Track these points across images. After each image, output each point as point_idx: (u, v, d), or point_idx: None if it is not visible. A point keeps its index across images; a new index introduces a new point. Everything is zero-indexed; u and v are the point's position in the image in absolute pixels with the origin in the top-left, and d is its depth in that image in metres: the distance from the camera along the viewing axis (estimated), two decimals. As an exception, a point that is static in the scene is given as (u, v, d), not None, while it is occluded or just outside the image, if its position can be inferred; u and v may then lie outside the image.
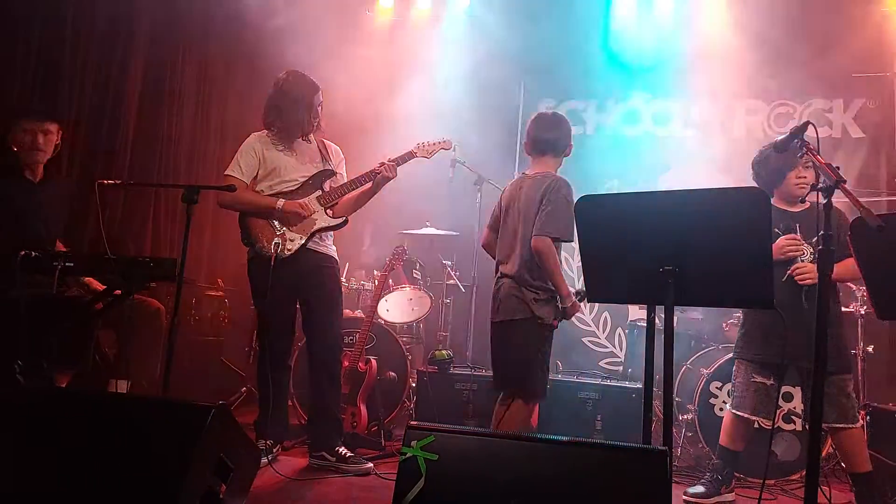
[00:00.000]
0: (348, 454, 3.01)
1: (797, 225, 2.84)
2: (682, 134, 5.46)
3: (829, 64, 4.79)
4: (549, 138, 2.91)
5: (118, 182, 2.76)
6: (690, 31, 5.28)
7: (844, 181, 1.79)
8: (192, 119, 4.90)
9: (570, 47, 5.40)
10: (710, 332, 4.22)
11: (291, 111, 3.06)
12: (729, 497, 2.94)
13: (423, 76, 5.34)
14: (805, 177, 2.83)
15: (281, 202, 3.01)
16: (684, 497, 2.90)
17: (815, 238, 2.74)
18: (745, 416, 2.85)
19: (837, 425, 2.67)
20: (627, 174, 5.31)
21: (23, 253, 2.51)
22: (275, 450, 3.11)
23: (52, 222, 3.12)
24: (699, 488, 2.93)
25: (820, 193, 1.81)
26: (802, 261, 2.78)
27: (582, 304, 3.02)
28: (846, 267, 2.57)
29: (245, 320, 4.54)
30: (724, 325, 4.06)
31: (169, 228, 4.63)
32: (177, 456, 1.67)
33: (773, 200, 2.87)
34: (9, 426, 1.81)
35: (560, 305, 2.77)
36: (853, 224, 1.81)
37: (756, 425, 2.93)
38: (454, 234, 4.80)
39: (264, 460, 2.86)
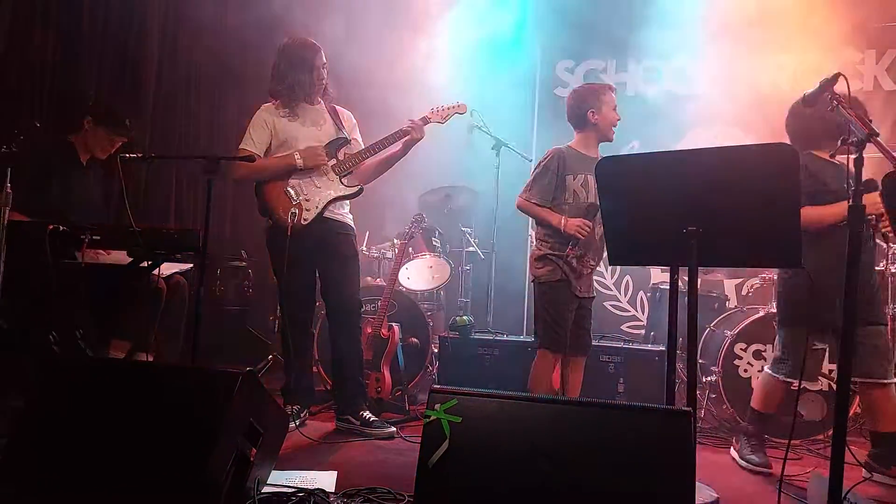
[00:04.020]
0: (372, 418, 3.06)
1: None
2: (705, 92, 5.31)
3: (861, 13, 4.59)
4: (567, 114, 3.09)
5: (140, 155, 2.79)
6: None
7: (877, 134, 1.73)
8: (211, 91, 4.89)
9: (588, 5, 5.25)
10: (734, 293, 4.18)
11: (293, 73, 3.05)
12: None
13: (437, 39, 5.24)
14: None
15: (299, 158, 3.02)
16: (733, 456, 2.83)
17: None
18: (785, 378, 2.74)
19: (864, 380, 2.61)
20: (649, 135, 5.20)
21: (51, 227, 2.58)
22: (302, 414, 3.18)
23: (96, 200, 3.26)
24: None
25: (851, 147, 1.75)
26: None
27: (600, 262, 3.04)
28: None
29: (269, 290, 4.60)
30: (750, 286, 4.01)
31: (191, 200, 4.68)
32: (208, 421, 1.72)
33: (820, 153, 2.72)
34: (52, 393, 1.88)
35: (562, 231, 2.90)
36: (885, 179, 1.76)
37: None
38: (473, 195, 4.78)
39: (292, 425, 2.93)
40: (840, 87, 1.95)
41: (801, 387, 2.74)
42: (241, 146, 3.09)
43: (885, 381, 2.62)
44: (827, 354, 2.93)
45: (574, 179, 2.96)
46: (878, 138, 1.75)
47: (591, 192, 2.96)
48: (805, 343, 2.69)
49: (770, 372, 2.82)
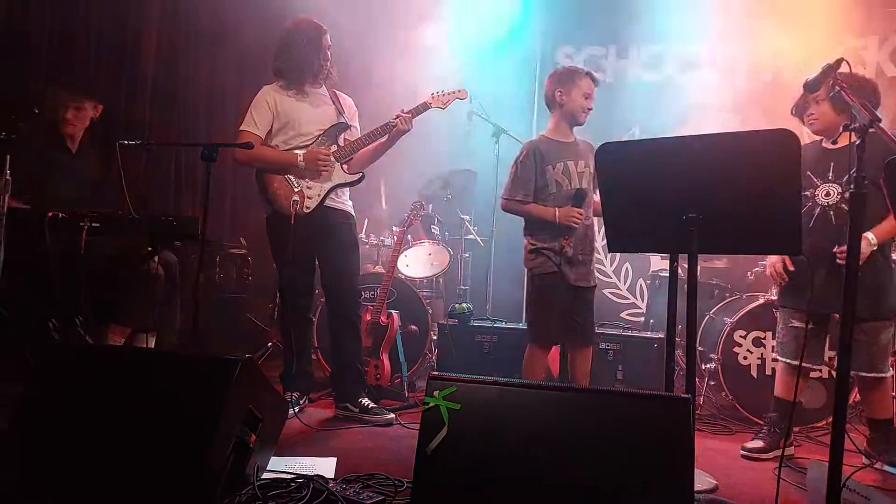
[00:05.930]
0: (371, 405, 3.07)
1: (832, 164, 2.70)
2: (706, 78, 5.27)
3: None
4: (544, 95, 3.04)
5: (139, 143, 2.77)
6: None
7: (879, 120, 1.71)
8: (209, 75, 4.86)
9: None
10: (734, 281, 4.17)
11: (300, 52, 3.02)
12: (790, 451, 2.78)
13: (437, 25, 5.20)
14: (813, 112, 2.71)
15: (301, 157, 3.00)
16: (742, 452, 2.77)
17: (847, 177, 2.65)
18: (790, 361, 2.80)
19: (864, 374, 2.64)
20: (649, 122, 5.17)
21: (50, 214, 2.57)
22: (301, 401, 3.18)
23: (85, 192, 3.20)
24: (757, 443, 2.79)
25: (853, 133, 1.73)
26: (822, 203, 2.70)
27: (598, 240, 3.06)
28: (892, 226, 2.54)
29: (269, 277, 4.58)
30: (749, 273, 4.00)
31: (191, 187, 4.66)
32: (208, 408, 1.72)
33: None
34: (51, 380, 1.88)
35: (557, 222, 2.88)
36: (888, 165, 1.74)
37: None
38: (472, 183, 4.76)
39: (291, 411, 2.94)
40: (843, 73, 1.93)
41: (800, 371, 2.72)
42: (242, 127, 3.06)
43: (881, 374, 2.64)
44: (828, 342, 2.93)
45: (554, 169, 2.94)
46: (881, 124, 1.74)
47: (574, 178, 2.94)
48: (787, 323, 2.82)
49: (775, 354, 2.92)
